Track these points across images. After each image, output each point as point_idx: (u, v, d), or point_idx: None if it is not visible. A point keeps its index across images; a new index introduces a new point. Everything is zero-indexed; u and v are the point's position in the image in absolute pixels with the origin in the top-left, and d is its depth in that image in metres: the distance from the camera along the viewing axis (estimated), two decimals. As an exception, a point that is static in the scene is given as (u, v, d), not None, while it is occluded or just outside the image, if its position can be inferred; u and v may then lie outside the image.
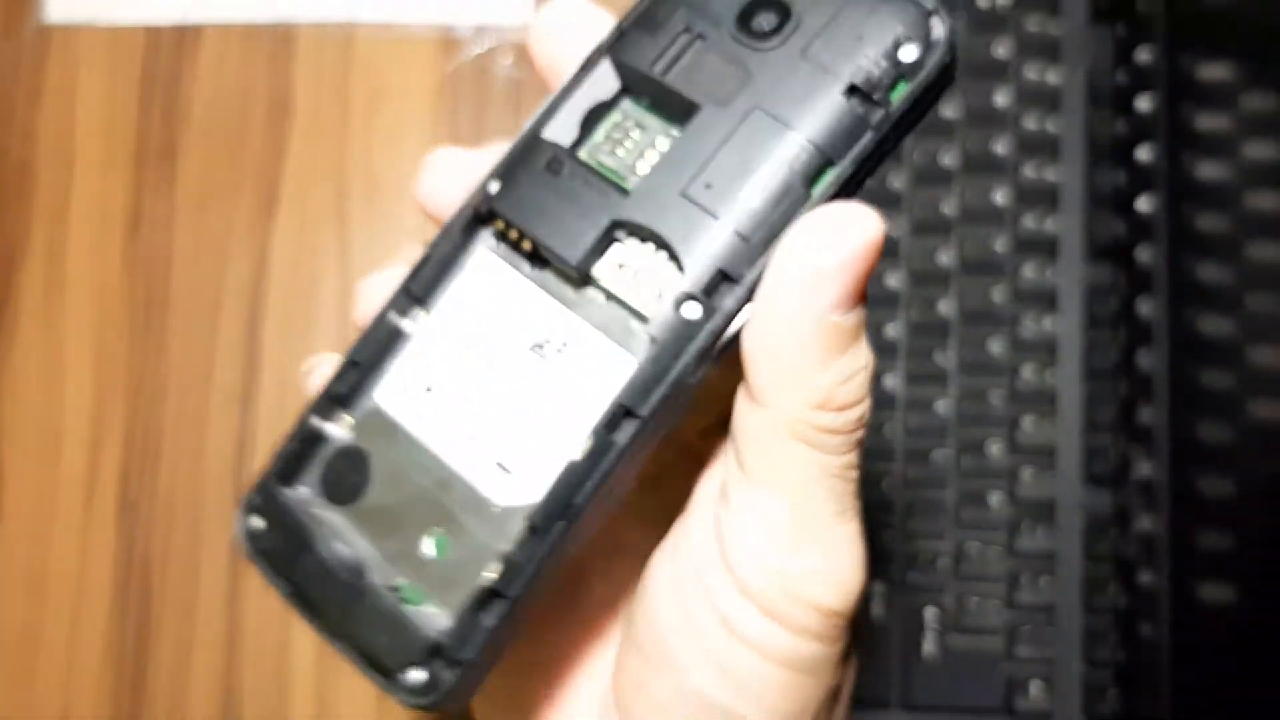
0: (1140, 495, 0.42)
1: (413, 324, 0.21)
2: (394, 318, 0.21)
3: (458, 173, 0.22)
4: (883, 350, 0.44)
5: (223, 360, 0.48)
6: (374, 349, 0.21)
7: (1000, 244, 0.44)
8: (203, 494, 0.47)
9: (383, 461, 0.20)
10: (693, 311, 0.19)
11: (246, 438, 0.47)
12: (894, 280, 0.44)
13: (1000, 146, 0.45)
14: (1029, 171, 0.45)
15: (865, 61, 0.19)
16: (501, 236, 0.21)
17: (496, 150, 0.22)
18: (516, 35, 0.48)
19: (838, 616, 0.21)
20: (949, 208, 0.45)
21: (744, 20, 0.20)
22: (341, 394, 0.21)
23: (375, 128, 0.49)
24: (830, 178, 0.19)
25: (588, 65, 0.21)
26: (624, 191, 0.20)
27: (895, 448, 0.44)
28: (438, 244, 0.21)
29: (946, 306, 0.44)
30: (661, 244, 0.19)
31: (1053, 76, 0.45)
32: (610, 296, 0.20)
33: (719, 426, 0.22)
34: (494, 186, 0.21)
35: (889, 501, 0.43)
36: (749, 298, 0.19)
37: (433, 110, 0.48)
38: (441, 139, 0.48)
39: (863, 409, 0.20)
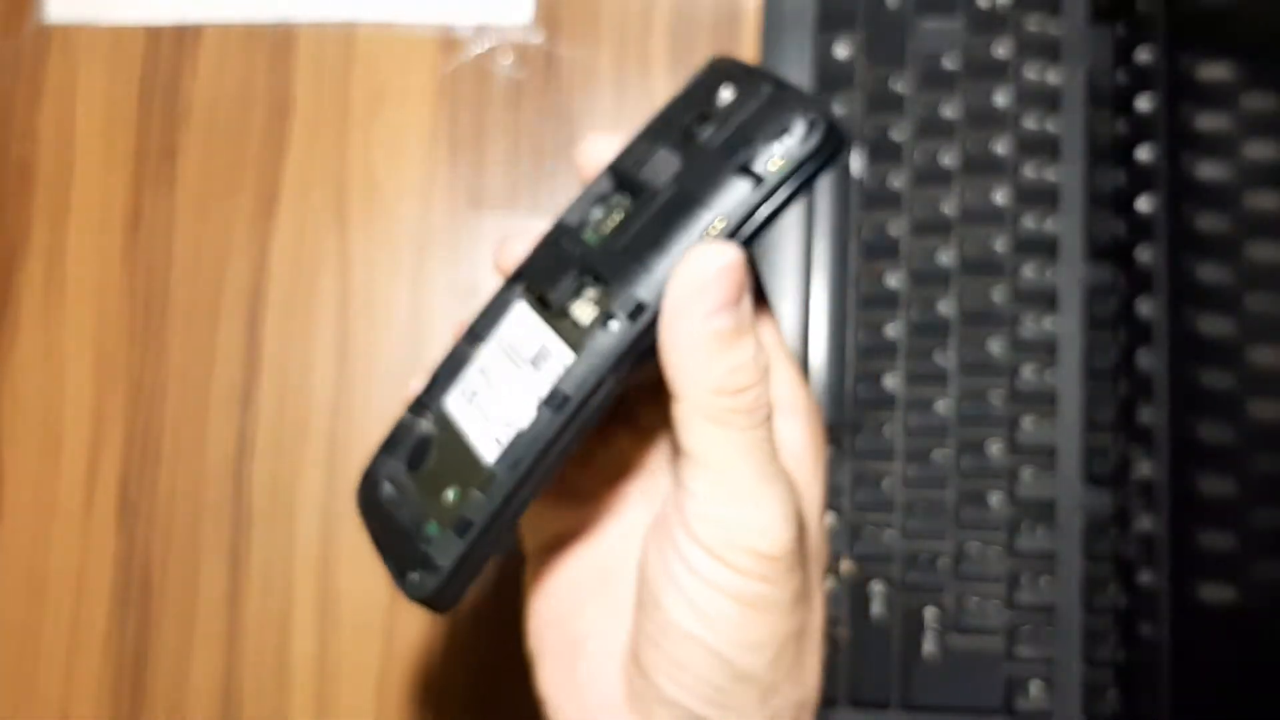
0: (1140, 495, 0.42)
1: (475, 351, 0.29)
2: (463, 347, 0.29)
3: (520, 242, 0.30)
4: (883, 350, 0.44)
5: (223, 360, 0.48)
6: (449, 369, 0.29)
7: (1000, 244, 0.44)
8: (203, 493, 0.47)
9: (440, 444, 0.29)
10: (614, 327, 0.26)
11: (246, 437, 0.47)
12: (894, 280, 0.45)
13: (1000, 146, 0.45)
14: (1029, 171, 0.45)
15: (753, 147, 0.26)
16: (527, 290, 0.29)
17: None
18: (516, 35, 0.48)
19: (773, 560, 0.26)
20: (949, 208, 0.45)
21: (686, 130, 0.28)
22: (424, 400, 0.30)
23: (375, 127, 0.49)
24: (718, 229, 0.26)
25: (599, 174, 0.30)
26: (593, 251, 0.28)
27: (895, 447, 0.44)
28: (493, 298, 0.30)
29: (946, 306, 0.44)
30: (604, 282, 0.27)
31: (1053, 76, 0.45)
32: (576, 322, 0.27)
33: None
34: (527, 257, 0.30)
35: (889, 501, 0.43)
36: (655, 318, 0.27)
37: (433, 110, 0.48)
38: (441, 139, 0.48)
39: (756, 393, 0.26)
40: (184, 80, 0.49)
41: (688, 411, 0.26)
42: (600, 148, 0.30)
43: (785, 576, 0.26)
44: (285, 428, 0.47)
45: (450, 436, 0.29)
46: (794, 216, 0.45)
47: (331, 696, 0.46)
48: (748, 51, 0.47)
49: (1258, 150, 0.42)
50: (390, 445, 0.30)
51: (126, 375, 0.48)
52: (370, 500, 0.30)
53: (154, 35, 0.50)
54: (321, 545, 0.47)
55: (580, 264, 0.28)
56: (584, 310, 0.27)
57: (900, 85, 0.45)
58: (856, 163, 0.45)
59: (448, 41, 0.49)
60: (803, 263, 0.45)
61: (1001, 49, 0.45)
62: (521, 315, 0.29)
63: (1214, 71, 0.43)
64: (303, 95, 0.49)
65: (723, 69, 0.29)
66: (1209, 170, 0.42)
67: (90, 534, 0.48)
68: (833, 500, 0.44)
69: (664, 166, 0.28)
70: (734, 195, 0.26)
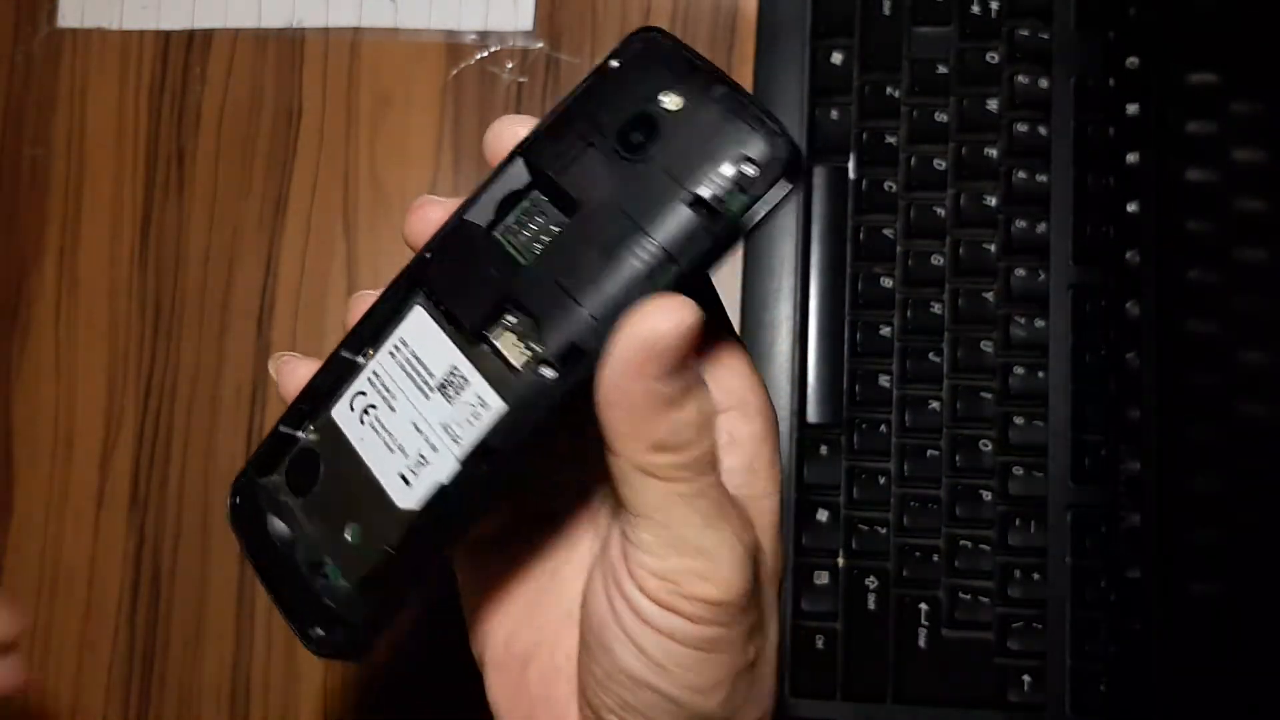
0: (1128, 493, 0.42)
1: (363, 359, 0.26)
2: (348, 353, 0.26)
3: (436, 216, 0.26)
4: (878, 350, 0.45)
5: (232, 360, 0.49)
6: (333, 376, 0.26)
7: (992, 246, 0.45)
8: (213, 493, 0.48)
9: (329, 464, 0.26)
10: (549, 374, 0.23)
11: (256, 436, 0.48)
12: (889, 282, 0.45)
13: (992, 151, 0.46)
14: (1020, 175, 0.45)
15: (711, 177, 0.23)
16: (431, 298, 0.26)
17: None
18: (518, 41, 0.49)
19: (725, 605, 0.24)
20: (942, 211, 0.45)
21: (623, 134, 0.24)
22: (305, 409, 0.26)
23: (381, 131, 0.50)
24: (671, 275, 0.23)
25: (506, 162, 0.26)
26: (518, 272, 0.24)
27: (890, 446, 0.44)
28: (384, 298, 0.26)
29: (940, 308, 0.45)
30: (533, 316, 0.24)
31: (1044, 82, 0.46)
32: (495, 352, 0.24)
33: None
34: (427, 255, 0.26)
35: (884, 499, 0.44)
36: (594, 366, 0.23)
37: (437, 115, 0.49)
38: (445, 143, 0.49)
39: (700, 450, 0.24)
40: (194, 85, 0.50)
41: (625, 466, 0.24)
42: (514, 132, 0.26)
43: (739, 616, 0.25)
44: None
45: (342, 457, 0.25)
46: (791, 219, 0.46)
47: (339, 690, 0.47)
48: (745, 57, 0.48)
49: (1244, 155, 0.42)
50: (266, 459, 0.26)
51: (138, 375, 0.49)
52: (249, 523, 0.26)
53: (165, 41, 0.51)
54: (328, 541, 0.47)
55: (503, 287, 0.24)
56: (511, 348, 0.24)
57: (894, 91, 0.46)
58: (852, 166, 0.46)
59: (451, 47, 0.50)
60: (800, 264, 0.46)
61: (993, 55, 0.46)
62: (423, 326, 0.25)
63: (1202, 78, 0.43)
64: (310, 100, 0.50)
65: (656, 52, 0.25)
66: (1196, 175, 0.43)
67: (102, 531, 0.48)
68: (828, 497, 0.44)
69: (599, 178, 0.24)
70: (687, 232, 0.23)
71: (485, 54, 0.49)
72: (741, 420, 0.26)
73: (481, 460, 0.24)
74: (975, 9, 0.46)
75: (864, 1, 0.47)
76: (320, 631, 0.25)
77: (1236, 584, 0.40)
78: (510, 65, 0.49)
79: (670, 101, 0.24)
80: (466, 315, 0.25)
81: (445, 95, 0.49)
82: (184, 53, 0.50)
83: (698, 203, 0.23)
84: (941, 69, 0.46)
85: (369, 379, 0.25)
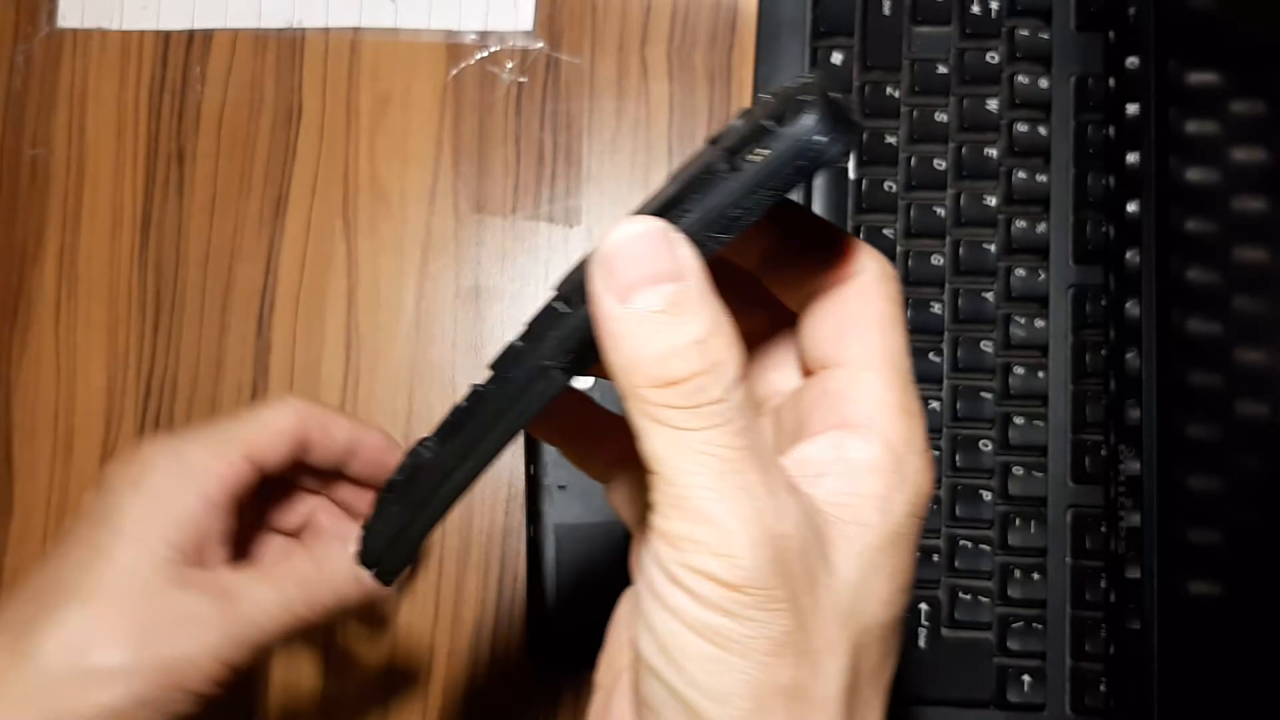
0: (1128, 492, 0.42)
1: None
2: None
3: None
4: (878, 350, 0.45)
5: (232, 360, 0.49)
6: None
7: (992, 247, 0.45)
8: (212, 490, 0.48)
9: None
10: (561, 308, 0.24)
11: (255, 435, 0.48)
12: (889, 282, 0.45)
13: (992, 151, 0.46)
14: (1021, 176, 0.45)
15: (745, 140, 0.23)
16: None
17: None
18: (518, 42, 0.49)
19: (733, 589, 0.22)
20: (943, 211, 0.46)
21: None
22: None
23: (381, 132, 0.50)
24: (683, 223, 0.23)
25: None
26: None
27: (889, 446, 0.44)
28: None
29: (940, 308, 0.45)
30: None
31: (1044, 82, 0.46)
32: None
33: None
34: None
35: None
36: None
37: (437, 115, 0.49)
38: (445, 143, 0.49)
39: (700, 383, 0.22)
40: (194, 85, 0.50)
41: (629, 409, 0.22)
42: None
43: (756, 614, 0.22)
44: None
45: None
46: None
47: (339, 695, 0.47)
48: (745, 57, 0.48)
49: (1244, 155, 0.42)
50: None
51: (138, 375, 0.49)
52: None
53: (165, 41, 0.51)
54: (328, 541, 0.48)
55: None
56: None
57: (894, 91, 0.46)
58: (852, 166, 0.46)
59: (451, 47, 0.50)
60: (799, 265, 0.46)
61: (994, 55, 0.46)
62: None
63: (1202, 78, 0.43)
64: (310, 100, 0.50)
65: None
66: (1196, 175, 0.43)
67: (102, 530, 0.48)
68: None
69: (694, 161, 0.25)
70: (702, 183, 0.23)
71: (485, 54, 0.49)
72: (859, 441, 0.24)
73: (491, 382, 0.25)
74: (975, 9, 0.46)
75: (864, 1, 0.47)
76: (363, 541, 0.28)
77: (1236, 584, 0.40)
78: (510, 65, 0.49)
79: (762, 98, 0.25)
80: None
81: (445, 95, 0.49)
82: (184, 53, 0.51)
83: (728, 163, 0.23)
84: (941, 69, 0.46)
85: None
